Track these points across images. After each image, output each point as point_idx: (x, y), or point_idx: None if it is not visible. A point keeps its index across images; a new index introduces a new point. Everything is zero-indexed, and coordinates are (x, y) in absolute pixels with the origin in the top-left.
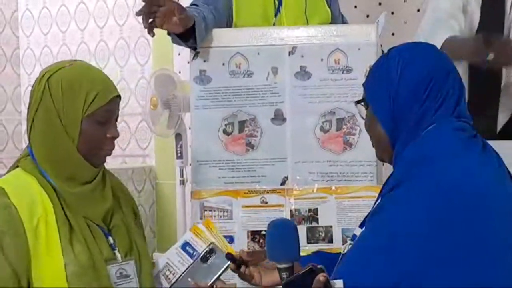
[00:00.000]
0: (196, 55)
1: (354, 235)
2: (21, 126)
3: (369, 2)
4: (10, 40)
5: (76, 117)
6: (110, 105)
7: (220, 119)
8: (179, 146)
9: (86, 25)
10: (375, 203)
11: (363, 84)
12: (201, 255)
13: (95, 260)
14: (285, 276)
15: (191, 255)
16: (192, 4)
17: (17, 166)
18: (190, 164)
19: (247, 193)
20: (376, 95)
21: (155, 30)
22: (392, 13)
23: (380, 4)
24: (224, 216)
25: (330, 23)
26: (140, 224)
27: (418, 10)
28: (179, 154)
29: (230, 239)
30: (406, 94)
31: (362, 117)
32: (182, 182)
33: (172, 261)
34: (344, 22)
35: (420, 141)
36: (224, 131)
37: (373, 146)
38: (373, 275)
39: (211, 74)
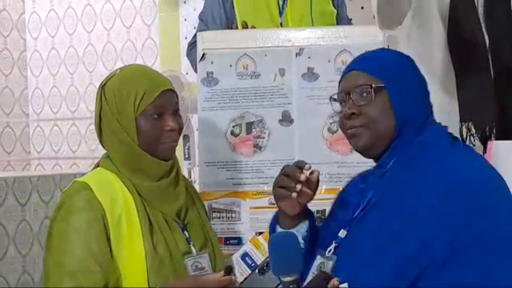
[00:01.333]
0: (203, 56)
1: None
2: (29, 128)
3: None
4: (17, 42)
5: (130, 117)
6: (159, 100)
7: (227, 120)
8: (186, 147)
9: (93, 27)
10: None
11: (360, 69)
12: (259, 267)
13: (172, 253)
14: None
15: (249, 266)
16: (200, 18)
17: (97, 166)
18: (197, 166)
19: (255, 194)
20: (399, 84)
21: (163, 32)
22: None
23: None
24: (232, 217)
25: (337, 25)
26: (209, 219)
27: None
28: (186, 156)
29: (238, 241)
30: (423, 89)
31: (336, 111)
32: None
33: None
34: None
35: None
36: (232, 133)
37: (364, 136)
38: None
39: (218, 76)
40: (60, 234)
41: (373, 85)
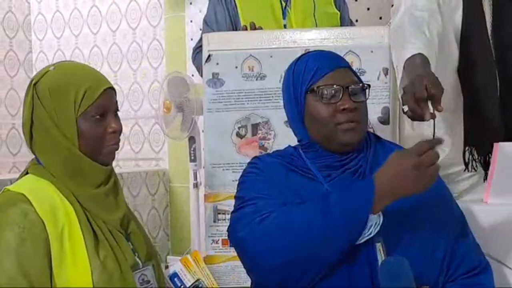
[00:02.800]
0: (209, 58)
1: None
2: None
3: (381, 4)
4: (23, 44)
5: (70, 118)
6: (102, 99)
7: (233, 122)
8: (192, 149)
9: (99, 28)
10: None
11: (350, 69)
12: None
13: (121, 266)
14: None
15: (177, 287)
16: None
17: (27, 173)
18: (203, 167)
19: None
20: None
21: (169, 34)
22: None
23: (392, 6)
24: None
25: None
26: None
27: None
28: (192, 157)
29: None
30: None
31: (321, 100)
32: (196, 185)
33: None
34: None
35: None
36: (237, 134)
37: (359, 131)
38: None
39: (224, 77)
40: None
41: (368, 85)
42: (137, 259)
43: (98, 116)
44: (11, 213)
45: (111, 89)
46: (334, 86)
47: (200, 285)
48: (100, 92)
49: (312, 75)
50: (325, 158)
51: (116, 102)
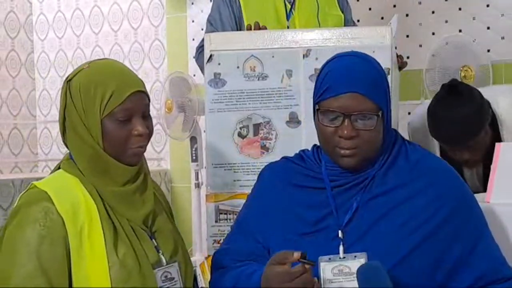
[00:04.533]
0: (210, 58)
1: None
2: (36, 130)
3: (383, 4)
4: (25, 44)
5: (96, 118)
6: (129, 102)
7: (234, 122)
8: (194, 149)
9: (100, 28)
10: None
11: (364, 94)
12: None
13: (141, 263)
14: None
15: None
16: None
17: (59, 168)
18: (205, 167)
19: None
20: (388, 107)
21: (171, 34)
22: (407, 15)
23: (394, 6)
24: None
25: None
26: (176, 227)
27: (433, 12)
28: (194, 157)
29: None
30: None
31: (320, 122)
32: (197, 185)
33: None
34: None
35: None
36: (239, 134)
37: (357, 157)
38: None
39: (225, 77)
40: (11, 243)
41: (380, 114)
42: (161, 256)
43: (123, 119)
44: (33, 211)
45: (141, 92)
46: (336, 112)
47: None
48: (127, 95)
49: (321, 92)
50: (336, 166)
51: (147, 105)
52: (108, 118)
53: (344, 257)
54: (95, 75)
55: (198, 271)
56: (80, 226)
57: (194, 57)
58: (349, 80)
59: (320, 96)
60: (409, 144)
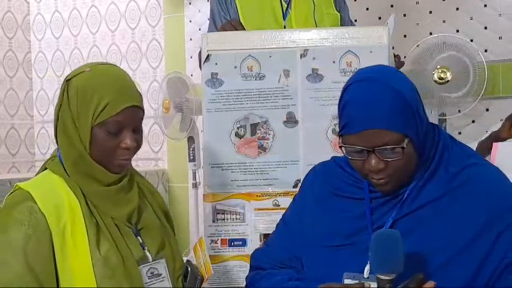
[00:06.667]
0: (207, 58)
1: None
2: (33, 130)
3: (381, 4)
4: (22, 44)
5: (87, 124)
6: (121, 116)
7: (232, 122)
8: (191, 149)
9: (98, 28)
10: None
11: (386, 128)
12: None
13: (125, 260)
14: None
15: None
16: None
17: (46, 168)
18: (202, 167)
19: (260, 196)
20: (418, 127)
21: (168, 34)
22: (404, 15)
23: (392, 6)
24: (236, 219)
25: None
26: (172, 224)
27: (430, 12)
28: (191, 157)
29: (243, 242)
30: (422, 109)
31: (347, 156)
32: (195, 185)
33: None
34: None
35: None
36: (236, 134)
37: (392, 183)
38: None
39: (223, 77)
40: None
41: (402, 145)
42: (147, 253)
43: (113, 131)
44: (17, 211)
45: (135, 107)
46: (358, 147)
47: (189, 267)
48: (121, 109)
49: (342, 126)
50: None
51: (140, 119)
52: (99, 127)
53: (368, 277)
54: (94, 80)
55: (191, 255)
56: (63, 225)
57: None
58: (367, 117)
59: (341, 130)
60: (454, 148)
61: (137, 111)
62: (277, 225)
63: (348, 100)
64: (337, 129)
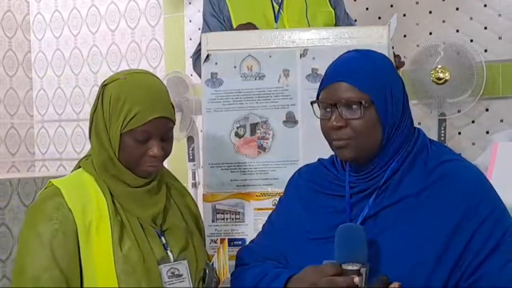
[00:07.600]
0: (207, 58)
1: None
2: (33, 129)
3: (381, 4)
4: (22, 43)
5: (116, 131)
6: (149, 126)
7: (231, 121)
8: (191, 149)
9: (97, 28)
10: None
11: (350, 83)
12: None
13: (146, 258)
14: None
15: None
16: (204, 21)
17: (80, 166)
18: (202, 167)
19: (259, 196)
20: (385, 96)
21: (168, 34)
22: (404, 15)
23: (392, 6)
24: (236, 219)
25: (335, 24)
26: (200, 227)
27: (430, 12)
28: (191, 157)
29: (243, 242)
30: (403, 94)
31: (317, 116)
32: (195, 185)
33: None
34: (350, 21)
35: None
36: (236, 134)
37: (352, 147)
38: None
39: (222, 77)
40: (26, 239)
41: (362, 101)
42: (169, 253)
43: (141, 139)
44: (47, 206)
45: (164, 118)
46: (325, 102)
47: (207, 269)
48: (149, 119)
49: (320, 85)
50: (355, 171)
51: (169, 129)
52: (128, 135)
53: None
54: (128, 89)
55: (214, 264)
56: (89, 222)
57: (192, 66)
58: (337, 71)
59: (319, 88)
60: (433, 147)
61: (166, 121)
62: (263, 225)
63: (333, 61)
64: None
